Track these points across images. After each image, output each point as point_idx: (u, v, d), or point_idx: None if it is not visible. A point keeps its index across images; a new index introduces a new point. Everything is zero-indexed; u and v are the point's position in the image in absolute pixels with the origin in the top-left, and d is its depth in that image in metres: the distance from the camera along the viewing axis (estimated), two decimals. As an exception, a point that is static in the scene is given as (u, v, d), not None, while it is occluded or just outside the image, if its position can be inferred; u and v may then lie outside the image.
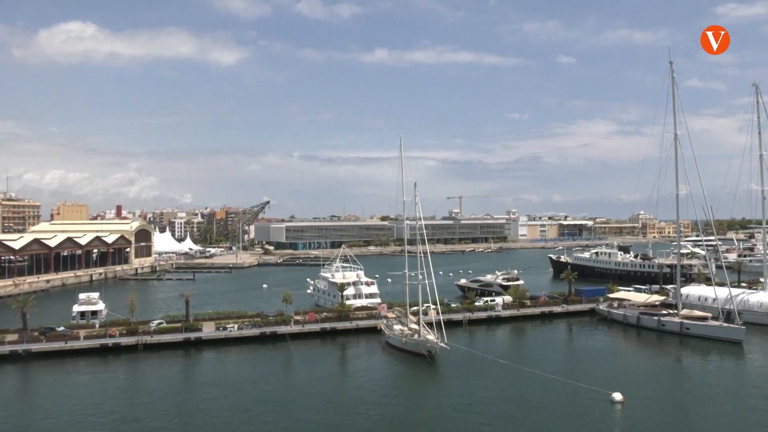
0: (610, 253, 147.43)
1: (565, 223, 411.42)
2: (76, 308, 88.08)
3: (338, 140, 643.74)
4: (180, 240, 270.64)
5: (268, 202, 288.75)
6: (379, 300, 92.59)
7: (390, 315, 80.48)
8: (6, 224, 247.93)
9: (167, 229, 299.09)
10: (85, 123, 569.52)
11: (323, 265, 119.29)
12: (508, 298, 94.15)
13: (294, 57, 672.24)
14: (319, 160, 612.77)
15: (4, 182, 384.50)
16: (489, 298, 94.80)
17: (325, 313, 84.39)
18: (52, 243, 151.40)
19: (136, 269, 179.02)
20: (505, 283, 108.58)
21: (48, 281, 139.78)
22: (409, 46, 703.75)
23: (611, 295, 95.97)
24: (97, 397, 51.45)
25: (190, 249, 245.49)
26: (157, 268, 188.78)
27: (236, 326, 77.17)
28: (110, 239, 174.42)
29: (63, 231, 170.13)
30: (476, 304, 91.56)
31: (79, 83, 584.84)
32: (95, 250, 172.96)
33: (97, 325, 77.62)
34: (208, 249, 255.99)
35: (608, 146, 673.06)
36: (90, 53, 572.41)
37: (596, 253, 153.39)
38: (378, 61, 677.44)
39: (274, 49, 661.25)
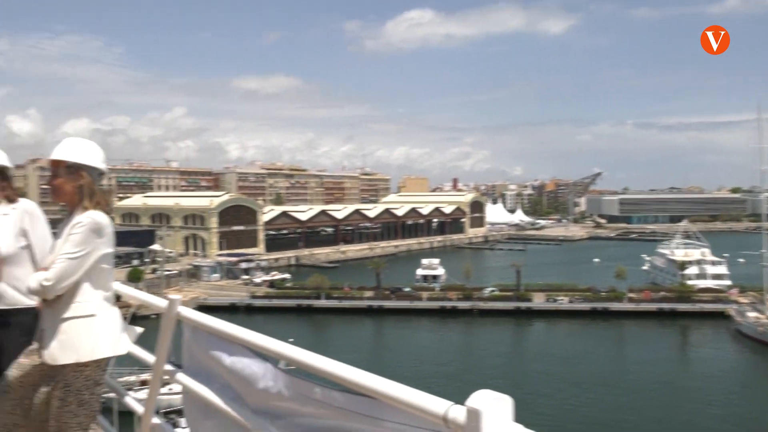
0: None
1: None
2: (419, 272, 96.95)
3: (676, 104, 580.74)
4: (511, 211, 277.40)
5: (599, 174, 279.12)
6: (728, 282, 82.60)
7: (742, 300, 71.58)
8: (363, 195, 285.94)
9: (498, 201, 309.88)
10: (424, 102, 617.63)
11: (661, 240, 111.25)
12: None
13: (625, 18, 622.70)
14: (657, 127, 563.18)
15: (361, 159, 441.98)
16: None
17: (662, 293, 78.71)
18: (399, 212, 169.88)
19: (470, 238, 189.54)
20: None
21: (396, 246, 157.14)
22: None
23: None
24: (435, 353, 56.71)
25: (521, 221, 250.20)
26: (489, 238, 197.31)
27: (566, 299, 76.71)
28: (447, 210, 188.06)
29: (408, 202, 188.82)
30: None
31: (418, 66, 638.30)
32: (434, 220, 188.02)
33: (437, 289, 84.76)
34: (537, 221, 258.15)
35: None
36: (428, 37, 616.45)
37: None
38: (729, 9, 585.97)
39: (603, 12, 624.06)
